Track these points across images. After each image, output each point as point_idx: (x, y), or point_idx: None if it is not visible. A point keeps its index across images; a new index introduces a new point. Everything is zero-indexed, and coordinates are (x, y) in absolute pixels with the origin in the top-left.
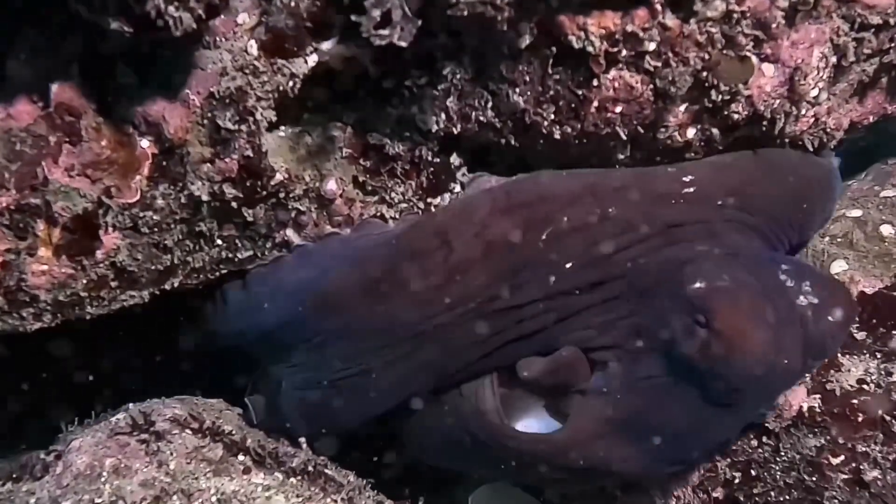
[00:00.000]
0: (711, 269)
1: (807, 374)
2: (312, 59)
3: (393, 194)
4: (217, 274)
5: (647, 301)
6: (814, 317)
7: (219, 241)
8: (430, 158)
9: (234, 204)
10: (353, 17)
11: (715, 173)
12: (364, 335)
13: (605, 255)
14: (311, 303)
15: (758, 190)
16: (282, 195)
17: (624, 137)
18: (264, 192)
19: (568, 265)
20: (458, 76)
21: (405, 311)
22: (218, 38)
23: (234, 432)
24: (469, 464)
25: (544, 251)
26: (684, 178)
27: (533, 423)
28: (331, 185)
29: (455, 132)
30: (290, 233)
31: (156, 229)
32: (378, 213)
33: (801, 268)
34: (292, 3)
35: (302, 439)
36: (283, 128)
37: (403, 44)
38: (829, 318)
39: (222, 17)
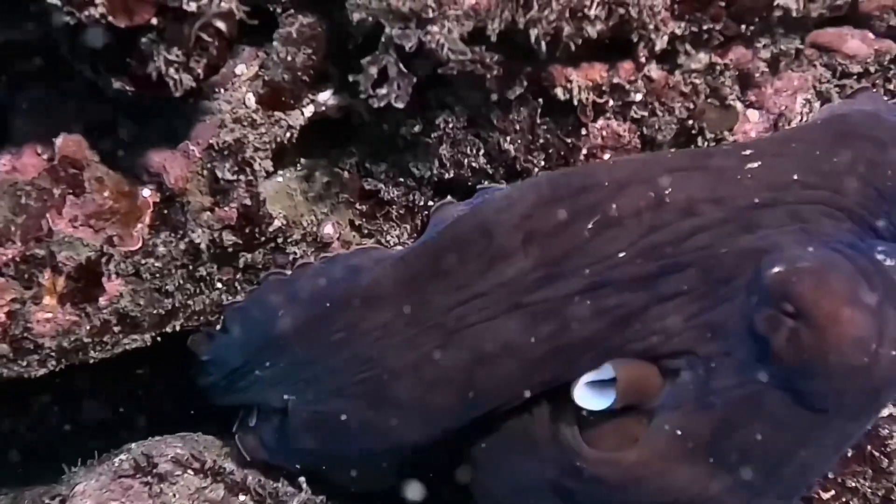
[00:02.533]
0: (793, 251)
1: None
2: (309, 110)
3: (388, 237)
4: (217, 316)
5: (720, 296)
6: None
7: (219, 285)
8: (423, 203)
9: (233, 250)
10: (350, 78)
11: (779, 146)
12: (391, 329)
13: (665, 244)
14: (345, 295)
15: (831, 161)
16: (280, 240)
17: None
18: (263, 238)
19: (620, 254)
20: (451, 125)
21: (439, 295)
22: (217, 89)
23: (234, 472)
24: None
25: (590, 240)
26: (744, 153)
27: None
28: (328, 230)
29: (448, 178)
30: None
31: (157, 275)
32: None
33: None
34: (289, 58)
35: (302, 479)
36: (280, 172)
37: (401, 105)
38: None
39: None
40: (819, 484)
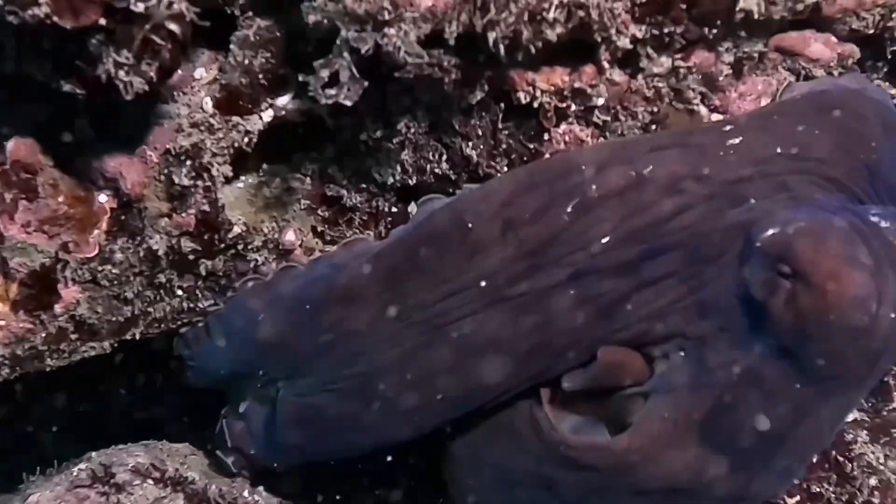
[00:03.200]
0: (783, 214)
1: None
2: (268, 115)
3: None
4: (179, 323)
5: (708, 275)
6: None
7: (179, 292)
8: (387, 209)
9: (192, 257)
10: (301, 78)
11: (759, 121)
12: (375, 327)
13: (648, 226)
14: (324, 296)
15: (813, 133)
16: (240, 247)
17: None
18: (223, 245)
19: (604, 239)
20: (413, 130)
21: (419, 290)
22: (175, 93)
23: (196, 480)
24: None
25: (571, 224)
26: (724, 129)
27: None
28: (289, 236)
29: (411, 184)
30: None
31: (115, 282)
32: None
33: (889, 210)
34: (246, 61)
35: (260, 488)
36: (242, 178)
37: (349, 103)
38: None
39: (180, 71)
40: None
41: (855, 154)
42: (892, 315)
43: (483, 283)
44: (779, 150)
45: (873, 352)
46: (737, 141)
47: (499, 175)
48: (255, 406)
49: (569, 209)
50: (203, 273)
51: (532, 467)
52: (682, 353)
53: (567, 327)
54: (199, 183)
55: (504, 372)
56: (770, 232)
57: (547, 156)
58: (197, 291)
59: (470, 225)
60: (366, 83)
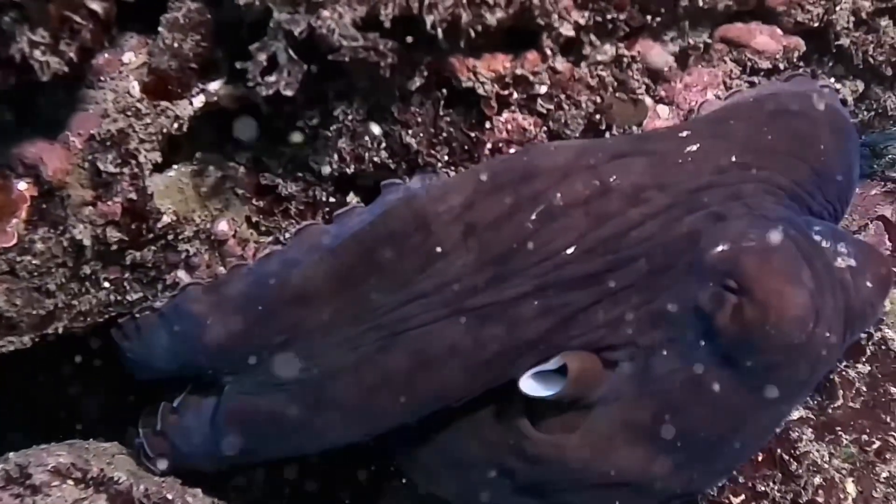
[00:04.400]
0: (735, 229)
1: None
2: (199, 100)
3: (287, 235)
4: (106, 317)
5: (660, 285)
6: (853, 281)
7: (106, 284)
8: (324, 199)
9: (118, 247)
10: (238, 65)
11: (714, 127)
12: (330, 329)
13: (613, 237)
14: (276, 296)
15: (766, 140)
16: (170, 237)
17: None
18: (151, 235)
19: (569, 250)
20: (350, 117)
21: (377, 293)
22: (102, 77)
23: (121, 480)
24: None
25: (535, 233)
26: (681, 135)
27: None
28: (222, 226)
29: (349, 173)
30: (181, 274)
31: (36, 274)
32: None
33: (835, 230)
34: (175, 45)
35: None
36: (175, 166)
37: (290, 92)
38: (868, 283)
39: (107, 55)
40: (730, 489)
41: (805, 159)
42: (826, 334)
43: (444, 292)
44: (733, 159)
45: (808, 366)
46: (694, 148)
47: (460, 172)
48: (193, 400)
49: (533, 216)
50: (131, 264)
51: (492, 455)
52: (631, 363)
53: (529, 337)
54: (126, 170)
55: (462, 380)
56: (719, 248)
57: (488, 149)
58: (125, 283)
59: (430, 226)
60: (304, 66)
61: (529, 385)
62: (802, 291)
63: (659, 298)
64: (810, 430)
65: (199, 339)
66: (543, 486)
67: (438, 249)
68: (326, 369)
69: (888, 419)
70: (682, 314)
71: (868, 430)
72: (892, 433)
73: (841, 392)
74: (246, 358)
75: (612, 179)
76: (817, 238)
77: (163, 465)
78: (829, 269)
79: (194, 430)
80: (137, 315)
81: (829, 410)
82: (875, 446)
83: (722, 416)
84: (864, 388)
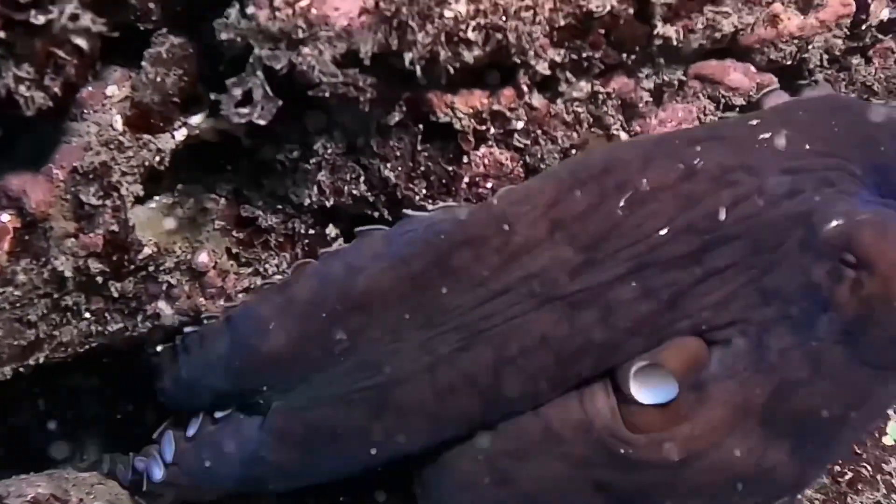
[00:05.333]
0: (844, 207)
1: None
2: (181, 134)
3: (267, 266)
4: (87, 347)
5: (770, 262)
6: None
7: (87, 315)
8: (303, 231)
9: (100, 278)
10: (212, 96)
11: (783, 116)
12: (400, 334)
13: (707, 216)
14: (340, 303)
15: (833, 132)
16: (151, 268)
17: None
18: (132, 266)
19: (662, 231)
20: (330, 150)
21: (452, 296)
22: (86, 110)
23: None
24: None
25: (626, 219)
26: (751, 122)
27: None
28: (202, 258)
29: (328, 205)
30: (161, 305)
31: (18, 305)
32: (252, 286)
33: None
34: (158, 79)
35: None
36: (157, 198)
37: (262, 122)
38: None
39: (91, 88)
40: None
41: (866, 154)
42: None
43: (531, 283)
44: (808, 147)
45: None
46: (766, 136)
47: (536, 176)
48: (216, 427)
49: (621, 203)
50: (113, 295)
51: (581, 473)
52: (745, 338)
53: (630, 321)
54: (108, 203)
55: (554, 372)
56: (834, 223)
57: (465, 182)
58: (106, 314)
59: (513, 227)
60: (280, 102)
61: (638, 388)
62: None
63: (769, 276)
64: None
65: (259, 346)
66: (648, 495)
67: (523, 247)
68: (392, 376)
69: (860, 450)
70: (797, 291)
71: (840, 461)
72: (865, 464)
73: None
74: (302, 370)
75: (696, 162)
76: None
77: (170, 496)
78: None
79: (214, 457)
80: (205, 323)
81: None
82: (847, 477)
83: (840, 393)
84: None
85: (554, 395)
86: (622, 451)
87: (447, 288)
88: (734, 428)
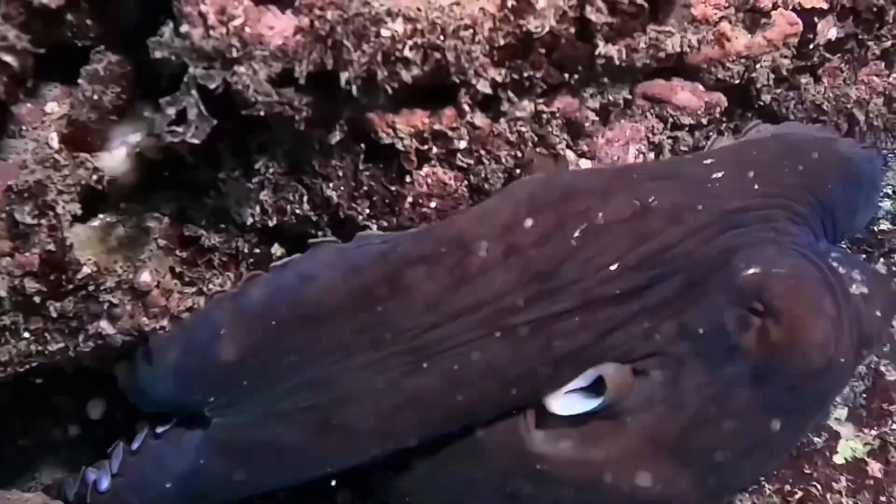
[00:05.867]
0: (766, 255)
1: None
2: (120, 152)
3: (211, 285)
4: (27, 367)
5: (692, 297)
6: (865, 309)
7: (26, 335)
8: (247, 250)
9: (38, 298)
10: (146, 113)
11: (738, 156)
12: (348, 352)
13: (655, 253)
14: (291, 313)
15: (784, 172)
16: (91, 288)
17: None
18: (71, 286)
19: (612, 266)
20: (272, 169)
21: (403, 316)
22: (24, 127)
23: None
24: None
25: (579, 250)
26: (706, 161)
27: None
28: (145, 277)
29: (271, 224)
30: (103, 324)
31: None
32: (196, 305)
33: (849, 255)
34: (95, 96)
35: None
36: (100, 216)
37: (196, 141)
38: (877, 312)
39: (29, 105)
40: None
41: (815, 195)
42: (842, 360)
43: (483, 310)
44: (756, 187)
45: (825, 390)
46: (719, 175)
47: (494, 195)
48: (158, 440)
49: (576, 234)
50: (52, 315)
51: (501, 485)
52: (662, 371)
53: (568, 351)
54: (44, 222)
55: (497, 398)
56: (751, 271)
57: (409, 202)
58: (45, 334)
59: (468, 248)
60: (214, 121)
61: (565, 404)
62: (826, 320)
63: (689, 312)
64: None
65: (211, 355)
66: None
67: (476, 269)
68: (337, 396)
69: (810, 470)
70: (711, 330)
71: (791, 480)
72: (815, 483)
73: None
74: (250, 381)
75: (650, 200)
76: (835, 264)
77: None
78: (846, 297)
79: (171, 467)
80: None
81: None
82: (797, 496)
83: (744, 432)
84: None
85: (489, 419)
86: (538, 466)
87: (398, 307)
88: (645, 457)
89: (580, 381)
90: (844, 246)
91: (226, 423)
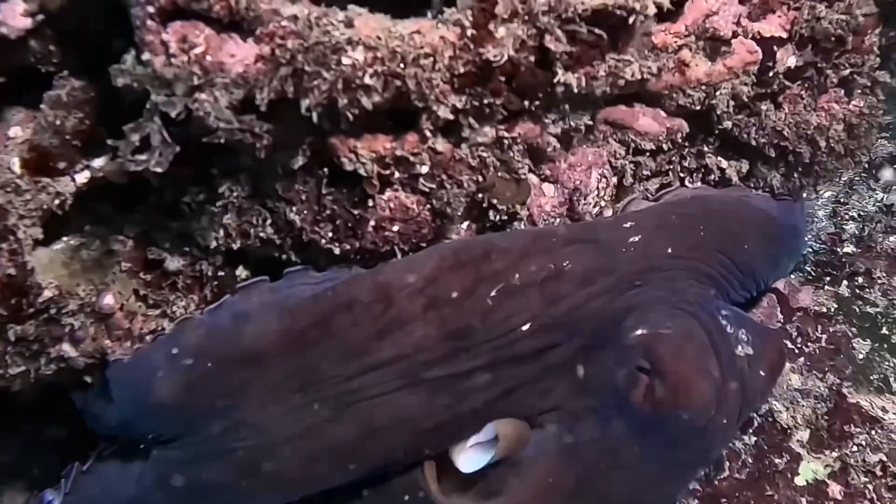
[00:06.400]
0: (655, 316)
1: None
2: (84, 176)
3: (175, 308)
4: None
5: (589, 357)
6: (750, 369)
7: None
8: (211, 273)
9: None
10: (109, 142)
11: (656, 220)
12: (277, 396)
13: (563, 314)
14: (226, 354)
15: (699, 235)
16: (53, 311)
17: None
18: (32, 310)
19: (524, 327)
20: (236, 193)
21: (329, 361)
22: None
23: None
24: None
25: (494, 309)
26: (625, 225)
27: None
28: (107, 300)
29: (234, 248)
30: (66, 347)
31: None
32: (160, 328)
33: (739, 315)
34: (58, 122)
35: None
36: (64, 239)
37: (160, 170)
38: (762, 372)
39: None
40: None
41: (730, 256)
42: (724, 420)
43: (401, 363)
44: (669, 250)
45: (706, 447)
46: (636, 239)
47: (423, 250)
48: (105, 463)
49: (493, 293)
50: (12, 338)
51: None
52: (557, 425)
53: (473, 406)
54: (4, 245)
55: (407, 450)
56: (639, 332)
57: (371, 226)
58: (6, 357)
59: (391, 298)
60: (177, 148)
61: (468, 460)
62: (708, 382)
63: (586, 369)
64: (696, 501)
65: (147, 394)
66: None
67: (397, 320)
68: (263, 440)
69: (772, 491)
70: (602, 386)
71: (752, 502)
72: None
73: (727, 464)
74: (185, 422)
75: (565, 264)
76: (724, 323)
77: None
78: (731, 358)
79: (116, 491)
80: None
81: (716, 482)
82: None
83: (633, 483)
84: (750, 460)
85: (401, 466)
86: None
87: (326, 351)
88: None
89: (481, 436)
90: (795, 276)
91: (164, 457)
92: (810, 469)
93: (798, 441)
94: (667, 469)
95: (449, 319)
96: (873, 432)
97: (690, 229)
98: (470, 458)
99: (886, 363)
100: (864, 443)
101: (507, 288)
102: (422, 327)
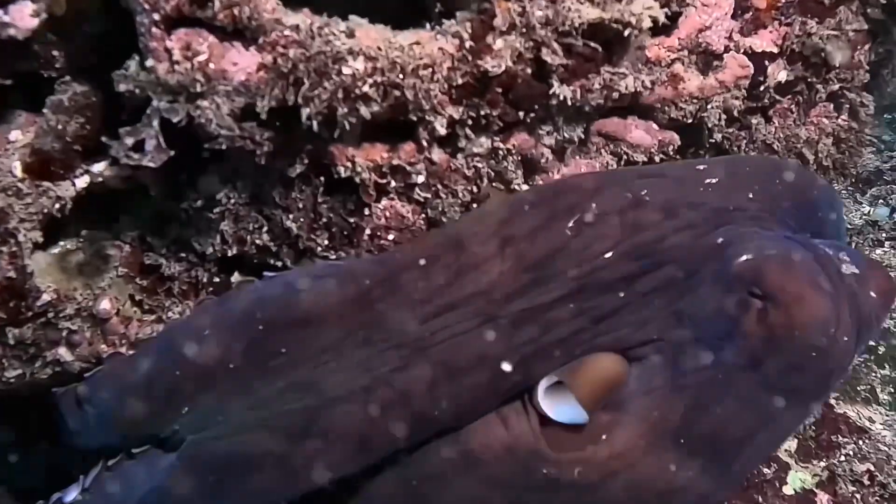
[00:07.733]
0: (757, 243)
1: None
2: (83, 181)
3: (170, 314)
4: None
5: (687, 286)
6: (860, 289)
7: None
8: (207, 280)
9: None
10: (103, 139)
11: (730, 167)
12: (340, 352)
13: (648, 243)
14: (281, 315)
15: (775, 185)
16: (51, 315)
17: None
18: (30, 313)
19: (607, 255)
20: (233, 200)
21: (396, 313)
22: None
23: None
24: None
25: (572, 239)
26: (699, 167)
27: None
28: (104, 305)
29: (230, 254)
30: (62, 351)
31: None
32: (154, 332)
33: (835, 244)
34: (59, 126)
35: None
36: (61, 244)
37: (154, 165)
38: (872, 293)
39: None
40: None
41: (798, 207)
42: (845, 338)
43: (477, 300)
44: (750, 196)
45: (828, 370)
46: (714, 181)
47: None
48: (132, 460)
49: (570, 224)
50: (10, 341)
51: (502, 495)
52: (661, 356)
53: (558, 337)
54: (4, 249)
55: (486, 390)
56: (744, 258)
57: (367, 234)
58: (3, 360)
59: (464, 246)
60: (171, 153)
61: (554, 409)
62: (824, 296)
63: (685, 299)
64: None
65: (190, 356)
66: None
67: (472, 263)
68: (324, 396)
69: (761, 500)
70: (709, 316)
71: None
72: None
73: None
74: (230, 387)
75: (643, 193)
76: (823, 248)
77: None
78: (840, 276)
79: (138, 486)
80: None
81: None
82: None
83: (746, 415)
84: None
85: (481, 412)
86: (544, 471)
87: (391, 305)
88: (649, 446)
89: (555, 378)
90: None
91: (199, 439)
92: (798, 478)
93: (786, 450)
94: (785, 395)
95: (527, 253)
96: (861, 442)
97: (766, 180)
98: (558, 406)
99: (873, 374)
100: (851, 452)
101: (585, 218)
102: (499, 265)
